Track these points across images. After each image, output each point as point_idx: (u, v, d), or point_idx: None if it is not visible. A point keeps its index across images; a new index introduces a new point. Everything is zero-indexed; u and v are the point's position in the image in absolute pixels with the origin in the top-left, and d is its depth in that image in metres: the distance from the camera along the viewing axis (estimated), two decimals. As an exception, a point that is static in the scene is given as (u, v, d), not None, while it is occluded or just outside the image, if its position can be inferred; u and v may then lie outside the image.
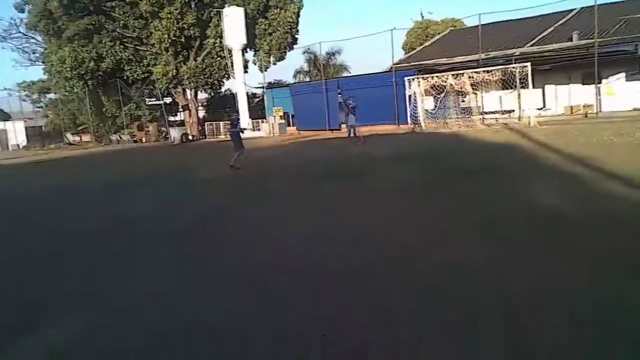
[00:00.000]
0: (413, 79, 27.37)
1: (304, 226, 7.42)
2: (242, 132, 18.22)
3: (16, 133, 51.91)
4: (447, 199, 8.45)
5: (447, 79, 25.54)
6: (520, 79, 23.89)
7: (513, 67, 24.18)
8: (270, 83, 46.05)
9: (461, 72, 25.57)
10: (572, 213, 6.69)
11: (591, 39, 27.78)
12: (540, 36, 32.23)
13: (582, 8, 33.75)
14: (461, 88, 25.58)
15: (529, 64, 23.42)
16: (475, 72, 25.23)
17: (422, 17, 55.18)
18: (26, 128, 53.94)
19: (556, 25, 33.31)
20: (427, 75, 27.26)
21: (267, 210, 8.89)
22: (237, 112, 38.05)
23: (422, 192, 9.22)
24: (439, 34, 45.93)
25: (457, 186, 9.40)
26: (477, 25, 32.16)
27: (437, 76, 26.30)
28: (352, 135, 26.16)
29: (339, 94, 34.03)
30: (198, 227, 7.98)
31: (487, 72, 24.75)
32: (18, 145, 50.41)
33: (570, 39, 29.61)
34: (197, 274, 5.55)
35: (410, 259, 5.40)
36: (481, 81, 25.11)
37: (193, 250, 6.55)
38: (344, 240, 6.34)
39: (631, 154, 11.58)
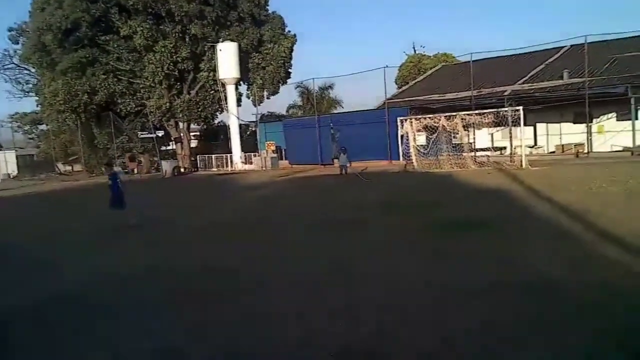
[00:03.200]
0: (405, 119, 27.45)
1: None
2: (122, 183, 14.33)
3: (7, 163, 51.64)
4: (437, 259, 8.29)
5: (439, 120, 25.63)
6: (512, 120, 23.99)
7: (505, 111, 24.29)
8: (263, 115, 46.27)
9: (454, 114, 25.66)
10: (564, 282, 6.55)
11: (582, 77, 28.07)
12: (531, 73, 32.59)
13: (572, 46, 34.16)
14: (453, 129, 25.66)
15: (521, 107, 23.56)
16: (468, 114, 25.32)
17: (415, 51, 55.80)
18: (17, 157, 53.71)
19: (547, 62, 33.73)
20: (419, 117, 27.37)
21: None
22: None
23: (410, 252, 9.05)
24: (431, 68, 46.39)
25: (445, 244, 9.24)
26: (469, 61, 32.53)
27: (429, 117, 26.41)
28: (343, 173, 26.34)
29: (332, 128, 34.21)
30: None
31: (480, 114, 24.83)
32: (9, 174, 50.08)
33: (561, 77, 29.91)
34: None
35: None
36: (474, 122, 25.22)
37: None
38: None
39: (625, 207, 11.51)
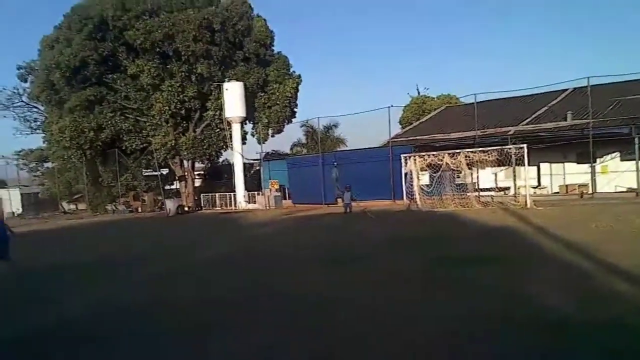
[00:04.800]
0: (409, 157, 27.50)
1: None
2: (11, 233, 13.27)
3: (11, 201, 51.63)
4: (443, 293, 8.17)
5: (443, 157, 25.66)
6: (516, 159, 23.98)
7: (509, 149, 24.31)
8: (267, 153, 46.40)
9: (458, 151, 25.70)
10: (574, 317, 6.43)
11: (585, 118, 28.17)
12: (535, 115, 32.71)
13: (574, 89, 34.36)
14: (457, 167, 25.67)
15: (525, 145, 23.52)
16: (472, 152, 25.36)
17: (419, 92, 56.37)
18: (22, 195, 53.75)
19: (550, 105, 33.87)
20: (423, 154, 27.39)
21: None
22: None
23: (415, 286, 8.93)
24: (434, 109, 46.69)
25: (452, 279, 9.15)
26: (473, 103, 32.71)
27: (433, 154, 26.43)
28: (347, 211, 26.26)
29: (335, 166, 34.30)
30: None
31: (484, 152, 24.85)
32: (13, 213, 50.02)
33: (565, 118, 30.00)
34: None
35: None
36: (477, 160, 25.24)
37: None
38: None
39: (632, 244, 11.43)
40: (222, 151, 43.87)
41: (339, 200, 30.47)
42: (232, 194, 40.96)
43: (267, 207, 36.88)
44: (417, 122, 43.46)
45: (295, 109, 43.54)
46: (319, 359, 5.65)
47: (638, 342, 5.63)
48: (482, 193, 28.31)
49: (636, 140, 26.29)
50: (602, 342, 5.59)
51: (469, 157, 25.14)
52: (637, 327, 6.04)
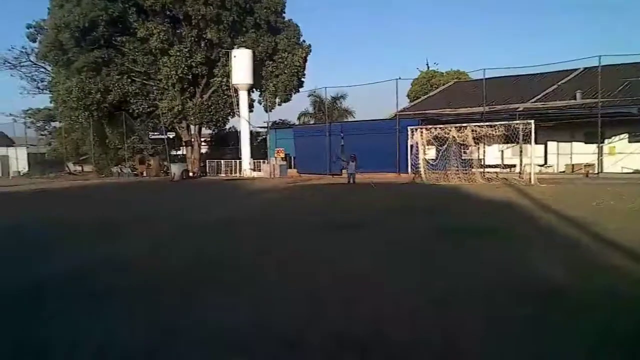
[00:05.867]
0: (416, 129, 27.42)
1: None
2: None
3: (18, 160, 51.82)
4: (441, 261, 8.21)
5: (450, 130, 25.59)
6: (523, 135, 23.88)
7: (517, 124, 24.20)
8: (274, 122, 46.37)
9: (464, 125, 25.60)
10: (570, 289, 6.47)
11: (594, 98, 27.95)
12: (544, 93, 32.48)
13: (585, 68, 33.99)
14: (463, 141, 25.59)
15: (532, 121, 23.40)
16: (479, 126, 25.26)
17: (428, 67, 55.95)
18: (28, 154, 53.81)
19: (560, 83, 33.59)
20: (430, 126, 27.30)
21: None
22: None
23: (413, 254, 8.97)
24: (443, 84, 46.37)
25: (451, 248, 9.18)
26: (482, 79, 32.42)
27: (440, 127, 26.35)
28: (351, 181, 26.33)
29: (342, 138, 34.37)
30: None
31: (491, 126, 24.75)
32: (19, 172, 50.26)
33: (574, 97, 29.77)
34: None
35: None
36: (484, 135, 25.14)
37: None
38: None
39: (632, 221, 11.43)
40: (229, 118, 43.82)
41: (344, 171, 30.50)
42: (237, 161, 41.09)
43: (272, 176, 37.00)
44: (425, 96, 43.24)
45: (303, 79, 43.33)
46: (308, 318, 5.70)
47: (628, 307, 5.68)
48: (487, 169, 28.26)
49: (645, 121, 26.15)
50: (597, 307, 5.64)
51: (475, 131, 25.06)
52: (628, 295, 6.10)
